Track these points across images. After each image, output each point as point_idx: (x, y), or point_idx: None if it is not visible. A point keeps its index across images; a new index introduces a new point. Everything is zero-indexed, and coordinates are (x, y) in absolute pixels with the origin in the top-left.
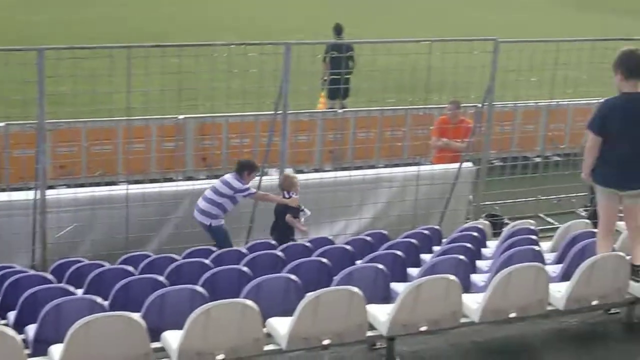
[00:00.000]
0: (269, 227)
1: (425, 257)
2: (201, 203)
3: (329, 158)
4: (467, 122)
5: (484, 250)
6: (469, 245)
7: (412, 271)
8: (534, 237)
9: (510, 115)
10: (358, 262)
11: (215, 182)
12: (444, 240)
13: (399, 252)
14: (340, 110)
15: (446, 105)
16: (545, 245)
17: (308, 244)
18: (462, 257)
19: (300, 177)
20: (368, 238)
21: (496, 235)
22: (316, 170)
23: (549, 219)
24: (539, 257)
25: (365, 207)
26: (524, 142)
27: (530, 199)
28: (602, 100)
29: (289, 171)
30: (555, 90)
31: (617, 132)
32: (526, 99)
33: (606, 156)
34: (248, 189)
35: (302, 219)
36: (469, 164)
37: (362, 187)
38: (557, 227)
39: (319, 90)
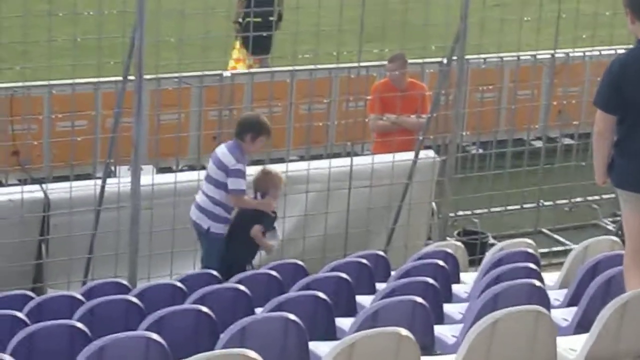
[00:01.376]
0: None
1: (365, 300)
2: (199, 197)
3: (212, 147)
4: (421, 87)
5: (455, 288)
6: (431, 280)
7: (344, 322)
8: (533, 265)
9: (494, 75)
10: (259, 310)
11: (209, 163)
12: (392, 274)
13: (321, 295)
14: (227, 73)
15: (386, 63)
16: (551, 278)
17: (181, 285)
18: (420, 299)
19: (168, 178)
20: (274, 273)
21: (475, 263)
22: (191, 168)
23: (557, 236)
24: (541, 296)
25: None
26: (515, 118)
27: (527, 205)
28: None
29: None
30: (563, 36)
31: (637, 106)
32: (517, 49)
33: (625, 144)
34: (240, 171)
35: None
36: (430, 153)
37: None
38: (571, 249)
39: (206, 42)
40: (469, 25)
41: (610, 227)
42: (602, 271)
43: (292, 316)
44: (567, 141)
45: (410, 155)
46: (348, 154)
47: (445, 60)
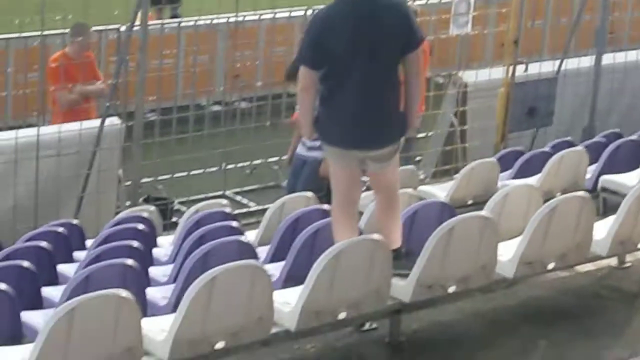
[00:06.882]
0: None
1: (65, 268)
2: None
3: None
4: (90, 54)
5: (155, 252)
6: (136, 244)
7: (48, 292)
8: (234, 223)
9: (172, 39)
10: None
11: None
12: (89, 242)
13: (26, 264)
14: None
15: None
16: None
17: None
18: (131, 262)
19: None
20: None
21: (164, 228)
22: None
23: (239, 198)
24: (249, 252)
25: None
26: (194, 83)
27: (211, 168)
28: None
29: None
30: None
31: (342, 59)
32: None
33: (329, 100)
34: None
35: None
36: (115, 120)
37: None
38: (255, 211)
39: None
40: None
41: None
42: (303, 227)
43: (2, 285)
44: (244, 105)
45: (96, 123)
46: (28, 126)
47: (123, 27)
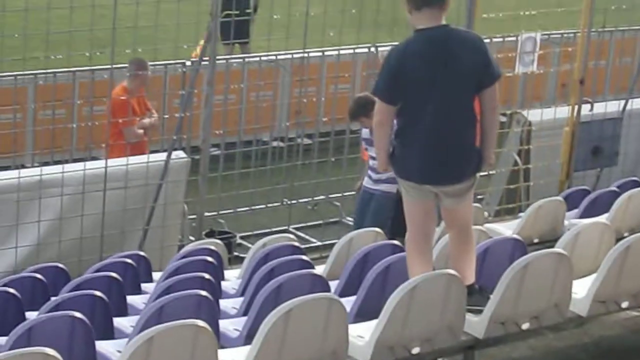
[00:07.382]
0: None
1: (133, 299)
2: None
3: None
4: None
5: (223, 285)
6: (207, 276)
7: (119, 322)
8: (304, 257)
9: (237, 75)
10: (28, 313)
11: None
12: (156, 275)
13: (99, 294)
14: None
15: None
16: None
17: None
18: (204, 293)
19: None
20: (39, 276)
21: (230, 262)
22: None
23: (301, 234)
24: (322, 285)
25: (23, 229)
26: (256, 118)
27: (273, 204)
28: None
29: None
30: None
31: (418, 94)
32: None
33: (404, 134)
34: None
35: None
36: (180, 154)
37: (14, 197)
38: (316, 246)
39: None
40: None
41: (351, 222)
42: (373, 260)
43: (78, 314)
44: (307, 141)
45: (162, 156)
46: (92, 158)
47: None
